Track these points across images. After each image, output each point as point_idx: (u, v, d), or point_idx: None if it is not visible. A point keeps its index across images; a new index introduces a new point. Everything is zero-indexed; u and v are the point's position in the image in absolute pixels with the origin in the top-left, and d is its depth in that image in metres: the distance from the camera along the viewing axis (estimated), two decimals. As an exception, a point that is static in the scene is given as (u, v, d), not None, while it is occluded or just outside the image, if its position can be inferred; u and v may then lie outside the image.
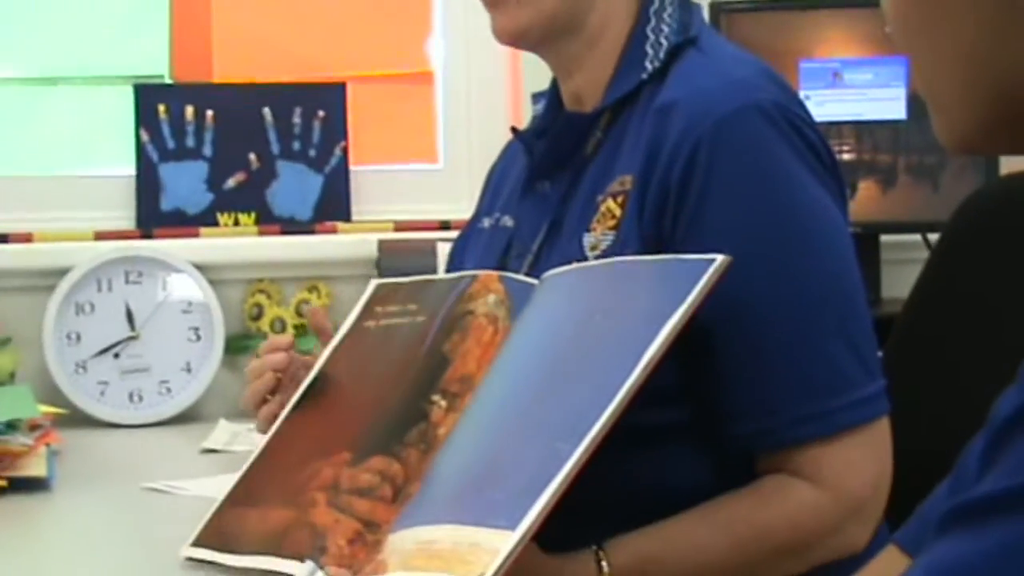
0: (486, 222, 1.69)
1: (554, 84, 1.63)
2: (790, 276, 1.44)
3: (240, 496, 1.51)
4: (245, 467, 1.54)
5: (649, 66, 1.52)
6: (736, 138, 1.44)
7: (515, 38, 1.58)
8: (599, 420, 1.25)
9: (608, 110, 1.54)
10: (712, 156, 1.43)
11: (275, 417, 1.61)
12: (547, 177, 1.58)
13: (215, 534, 1.49)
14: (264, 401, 1.69)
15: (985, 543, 0.69)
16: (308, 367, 1.63)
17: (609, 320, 1.37)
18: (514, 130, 1.70)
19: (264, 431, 1.62)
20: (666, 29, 1.53)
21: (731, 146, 1.44)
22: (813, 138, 1.48)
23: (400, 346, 1.52)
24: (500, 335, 1.45)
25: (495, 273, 1.51)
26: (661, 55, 1.52)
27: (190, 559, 1.49)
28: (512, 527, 1.22)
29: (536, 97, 1.70)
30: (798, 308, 1.43)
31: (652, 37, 1.53)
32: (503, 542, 1.22)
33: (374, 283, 1.62)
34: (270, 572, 1.37)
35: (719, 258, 1.32)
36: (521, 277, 1.50)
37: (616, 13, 1.55)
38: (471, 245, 1.69)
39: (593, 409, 1.26)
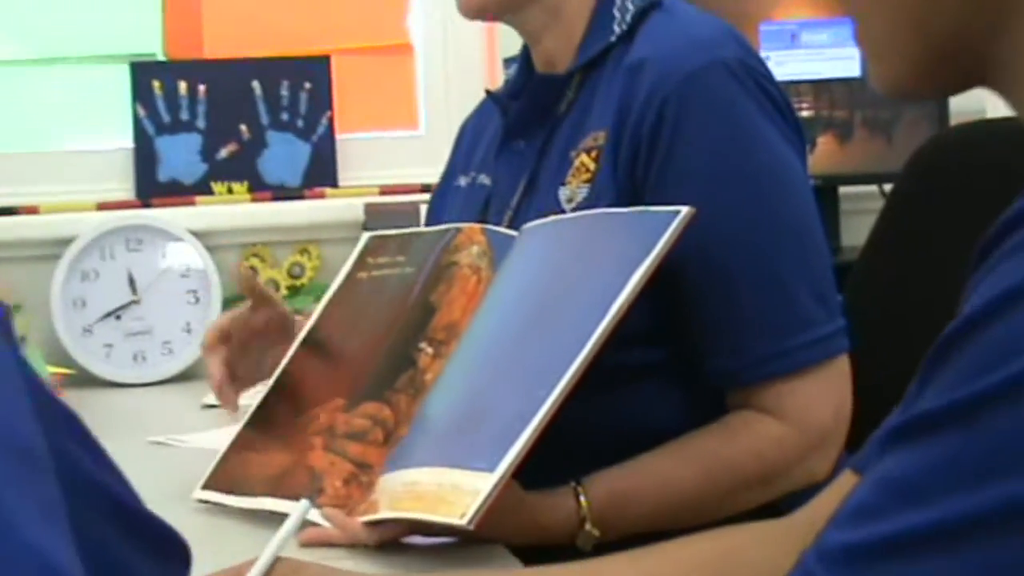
0: (462, 180, 1.68)
1: (525, 49, 1.63)
2: (755, 224, 1.44)
3: (244, 442, 1.52)
4: (248, 415, 1.55)
5: (617, 28, 1.52)
6: (702, 93, 1.44)
7: (477, 12, 1.58)
8: (572, 366, 1.25)
9: (580, 71, 1.54)
10: (680, 111, 1.43)
11: (235, 399, 1.62)
12: (522, 136, 1.58)
13: (222, 478, 1.50)
14: (226, 380, 1.65)
15: (925, 458, 0.69)
16: (255, 330, 1.64)
17: (582, 270, 1.37)
18: (488, 92, 1.70)
19: (233, 411, 1.62)
20: None
21: (697, 101, 1.44)
22: (775, 94, 1.49)
23: (390, 297, 1.52)
24: (483, 284, 1.45)
25: (478, 226, 1.52)
26: (628, 18, 1.52)
27: (201, 501, 1.50)
28: (491, 469, 1.23)
29: (508, 62, 1.70)
30: (762, 253, 1.44)
31: (619, 2, 1.53)
32: (483, 483, 1.23)
33: (366, 235, 1.62)
34: (272, 512, 1.38)
35: (684, 210, 1.32)
36: (502, 229, 1.50)
37: None
38: (448, 203, 1.69)
39: (567, 355, 1.27)
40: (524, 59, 1.63)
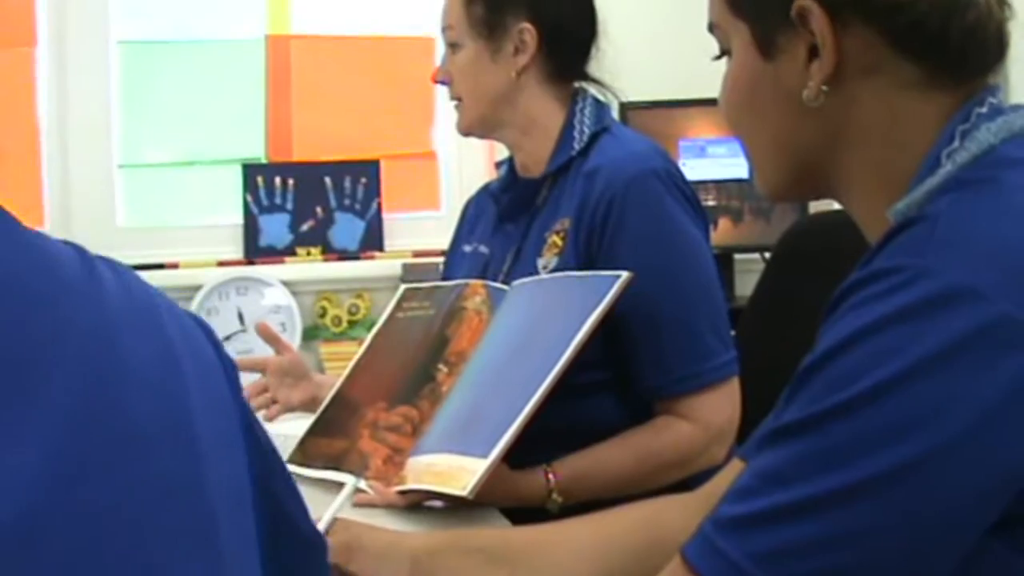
0: (467, 248, 1.67)
1: (511, 155, 1.63)
2: (673, 282, 1.43)
3: (315, 430, 1.51)
4: (318, 411, 1.54)
5: (577, 146, 1.52)
6: (638, 193, 1.44)
7: (466, 132, 1.57)
8: (543, 384, 1.26)
9: (550, 176, 1.53)
10: (623, 205, 1.43)
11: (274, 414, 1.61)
12: (511, 220, 1.58)
13: (299, 454, 1.49)
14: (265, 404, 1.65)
15: (785, 454, 0.69)
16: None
17: (551, 316, 1.37)
18: (485, 187, 1.69)
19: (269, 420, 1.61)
20: (587, 121, 1.53)
21: (635, 198, 1.44)
22: (688, 192, 1.48)
23: (418, 330, 1.51)
24: (483, 324, 1.44)
25: (480, 282, 1.51)
26: (585, 138, 1.51)
27: None
28: (485, 455, 1.23)
29: (499, 164, 1.69)
30: (679, 303, 1.43)
31: (578, 127, 1.53)
32: (479, 466, 1.22)
33: (403, 287, 1.61)
34: (332, 482, 1.38)
35: (623, 274, 1.32)
36: (498, 285, 1.49)
37: (541, 110, 1.52)
38: (456, 264, 1.66)
39: (539, 376, 1.26)
40: (510, 163, 1.63)
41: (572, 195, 1.48)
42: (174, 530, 0.53)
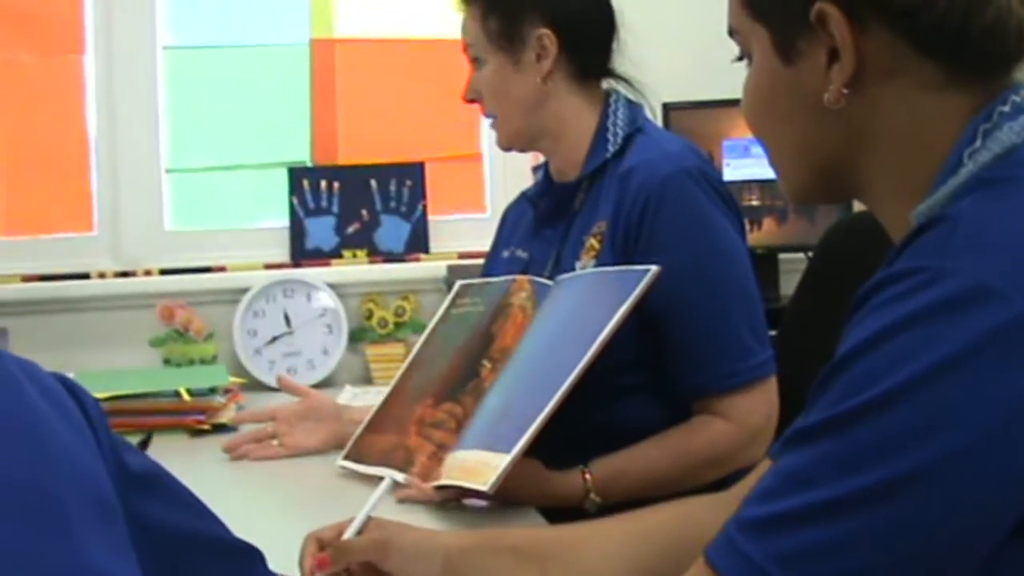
0: (505, 253, 1.68)
1: (546, 160, 1.64)
2: (711, 284, 1.44)
3: (370, 427, 1.53)
4: (373, 409, 1.56)
5: (611, 148, 1.52)
6: (673, 192, 1.44)
7: (506, 147, 1.58)
8: (567, 380, 1.26)
9: (586, 179, 1.54)
10: (658, 205, 1.43)
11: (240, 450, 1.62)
12: (549, 226, 1.59)
13: (355, 451, 1.52)
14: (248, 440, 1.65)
15: (806, 456, 0.70)
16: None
17: (582, 312, 1.38)
18: (524, 193, 1.70)
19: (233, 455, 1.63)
20: (621, 123, 1.53)
21: (669, 198, 1.44)
22: (723, 191, 1.49)
23: (467, 327, 1.53)
24: (528, 320, 1.46)
25: (526, 278, 1.52)
26: (619, 140, 1.52)
27: (342, 467, 1.51)
28: (508, 451, 1.24)
29: (535, 169, 1.71)
30: (715, 303, 1.44)
31: (611, 129, 1.54)
32: (502, 461, 1.24)
33: (458, 284, 1.63)
34: (383, 477, 1.39)
35: (652, 268, 1.32)
36: (543, 280, 1.50)
37: (573, 113, 1.53)
38: (496, 271, 1.67)
39: (565, 372, 1.27)
40: (546, 169, 1.64)
41: (608, 197, 1.49)
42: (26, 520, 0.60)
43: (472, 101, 1.55)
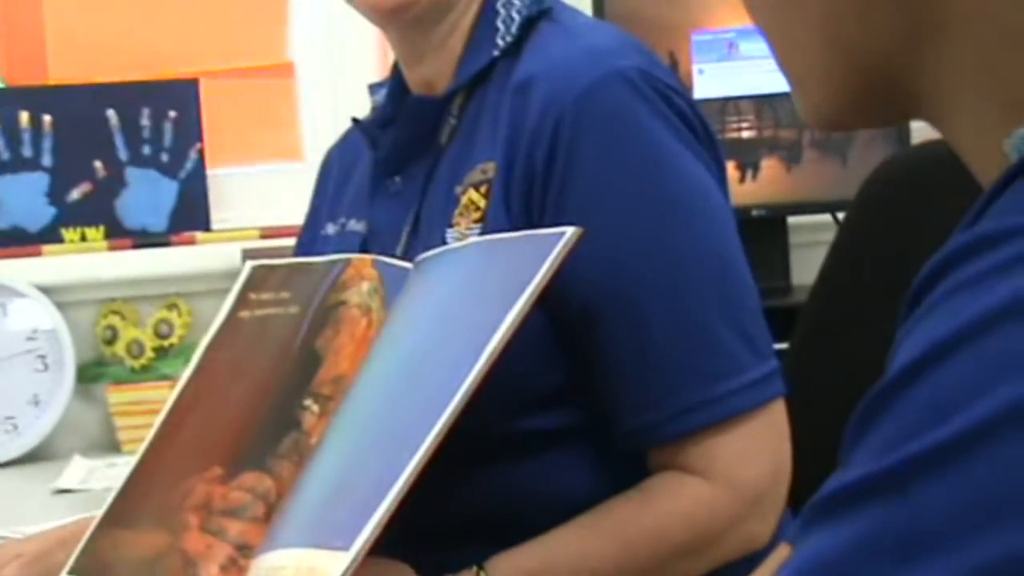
0: (330, 228, 1.69)
1: (396, 72, 1.64)
2: (667, 255, 1.45)
3: (115, 516, 1.51)
4: (120, 482, 1.54)
5: (501, 42, 1.53)
6: (599, 109, 1.45)
7: (394, 10, 1.56)
8: (438, 424, 1.25)
9: (461, 92, 1.55)
10: (575, 131, 1.45)
11: None
12: (397, 172, 1.59)
13: (91, 561, 1.49)
14: None
15: (844, 536, 0.70)
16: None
17: (463, 310, 1.39)
18: (355, 120, 1.70)
19: None
20: (517, 3, 1.55)
21: (595, 118, 1.45)
22: (684, 107, 1.50)
23: (272, 342, 1.52)
24: (373, 328, 1.46)
25: (369, 257, 1.52)
26: (514, 29, 1.53)
27: None
28: (347, 547, 1.24)
29: (374, 88, 1.70)
30: (677, 289, 1.45)
31: (503, 12, 1.55)
32: (336, 565, 1.24)
33: (249, 265, 1.63)
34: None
35: (568, 231, 1.34)
36: (395, 261, 1.50)
37: None
38: (315, 250, 1.67)
39: (437, 408, 1.27)
40: (395, 83, 1.64)
41: (496, 123, 1.50)
42: None
43: None
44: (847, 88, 0.84)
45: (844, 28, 0.82)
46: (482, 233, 1.47)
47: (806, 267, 2.55)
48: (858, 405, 0.74)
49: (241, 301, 1.59)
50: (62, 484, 2.20)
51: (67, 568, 1.51)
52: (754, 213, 2.54)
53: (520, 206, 1.46)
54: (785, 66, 0.86)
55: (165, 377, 2.54)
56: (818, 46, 0.84)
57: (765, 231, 2.55)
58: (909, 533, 0.68)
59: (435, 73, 1.58)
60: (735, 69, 2.61)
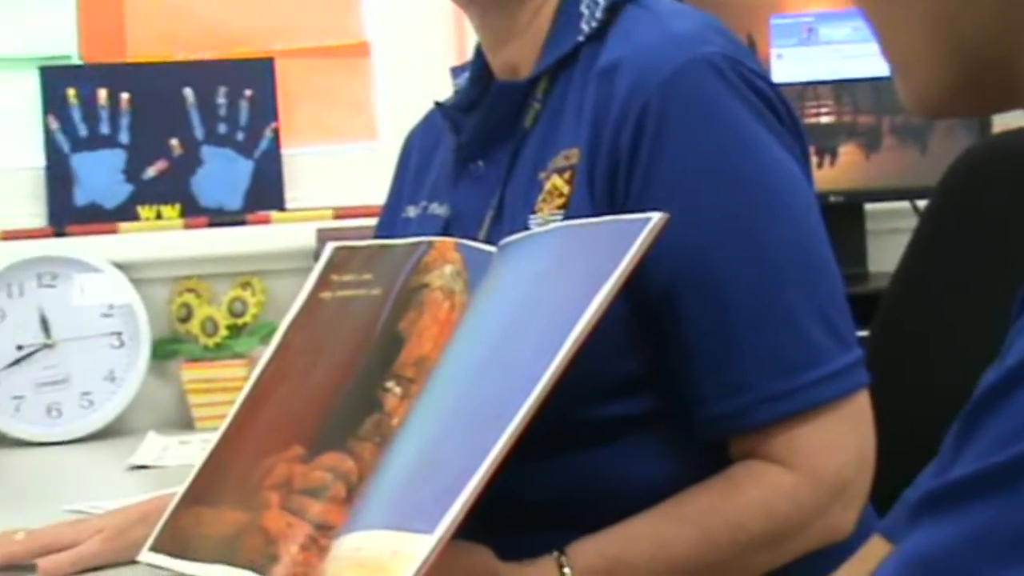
0: (411, 211, 1.69)
1: (478, 55, 1.64)
2: (751, 241, 1.45)
3: (195, 493, 1.51)
4: (201, 460, 1.55)
5: (586, 27, 1.53)
6: (684, 95, 1.45)
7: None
8: (523, 409, 1.25)
9: (545, 76, 1.55)
10: (660, 117, 1.44)
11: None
12: (481, 156, 1.58)
13: (172, 537, 1.50)
14: None
15: (957, 532, 0.70)
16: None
17: (548, 292, 1.38)
18: (437, 103, 1.71)
19: None
20: None
21: (679, 104, 1.45)
22: (768, 92, 1.50)
23: (354, 323, 1.52)
24: (456, 311, 1.45)
25: (451, 240, 1.52)
26: (598, 14, 1.53)
27: (147, 565, 1.51)
28: (431, 530, 1.24)
29: (456, 71, 1.70)
30: (761, 276, 1.44)
31: None
32: (420, 548, 1.24)
33: (331, 246, 1.63)
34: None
35: (655, 216, 1.33)
36: (479, 245, 1.50)
37: None
38: (396, 234, 1.66)
39: (521, 396, 1.28)
40: (477, 66, 1.64)
41: (580, 109, 1.50)
42: None
43: None
44: (950, 74, 0.84)
45: (950, 14, 0.82)
46: (565, 219, 1.47)
47: (883, 254, 2.55)
48: (973, 395, 0.73)
49: (323, 282, 1.59)
50: (137, 460, 2.21)
51: (148, 544, 1.53)
52: (831, 199, 2.53)
53: (604, 193, 1.46)
54: (888, 50, 0.86)
55: (238, 355, 2.56)
56: (924, 31, 0.83)
57: (842, 217, 2.53)
58: (1020, 531, 0.68)
59: (519, 57, 1.58)
60: (814, 54, 2.59)
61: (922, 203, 2.14)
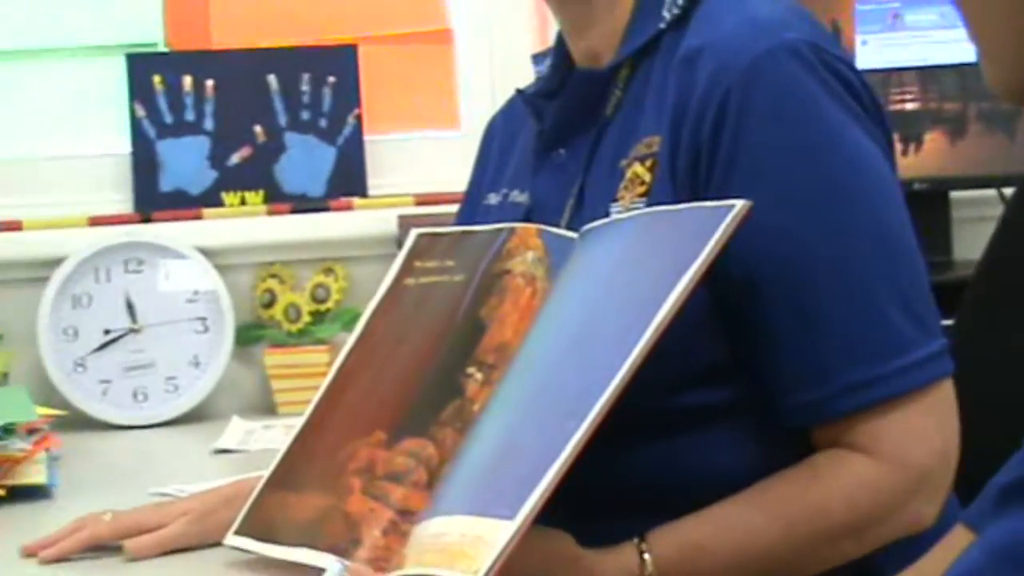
0: (492, 199, 1.68)
1: (560, 43, 1.64)
2: (834, 229, 1.44)
3: (280, 478, 1.53)
4: (285, 445, 1.57)
5: (667, 14, 1.52)
6: (767, 82, 1.44)
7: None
8: (604, 396, 1.25)
9: (626, 64, 1.55)
10: (743, 104, 1.43)
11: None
12: (562, 144, 1.58)
13: (256, 521, 1.52)
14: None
15: None
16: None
17: (630, 279, 1.38)
18: (519, 91, 1.71)
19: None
20: None
21: (762, 91, 1.44)
22: (852, 78, 1.49)
23: (436, 309, 1.53)
24: (538, 298, 1.46)
25: (534, 227, 1.52)
26: (680, 0, 1.53)
27: (233, 548, 1.52)
28: (512, 516, 1.25)
29: (537, 58, 1.70)
30: (845, 263, 1.44)
31: None
32: (501, 534, 1.24)
33: (414, 233, 1.63)
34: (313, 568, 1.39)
35: (738, 203, 1.33)
36: (561, 231, 1.50)
37: None
38: (478, 221, 1.66)
39: (603, 380, 1.28)
40: (559, 54, 1.64)
41: (662, 96, 1.49)
42: None
43: None
44: None
45: None
46: (647, 205, 1.47)
47: (969, 242, 2.53)
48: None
49: (406, 268, 1.60)
50: (221, 444, 2.22)
51: (234, 528, 1.55)
52: (916, 187, 2.52)
53: (685, 181, 1.46)
54: (977, 35, 0.85)
55: (321, 341, 2.57)
56: (1013, 17, 0.83)
57: (927, 205, 2.52)
58: None
59: (600, 44, 1.58)
60: (899, 40, 2.58)
61: (1008, 190, 2.12)
